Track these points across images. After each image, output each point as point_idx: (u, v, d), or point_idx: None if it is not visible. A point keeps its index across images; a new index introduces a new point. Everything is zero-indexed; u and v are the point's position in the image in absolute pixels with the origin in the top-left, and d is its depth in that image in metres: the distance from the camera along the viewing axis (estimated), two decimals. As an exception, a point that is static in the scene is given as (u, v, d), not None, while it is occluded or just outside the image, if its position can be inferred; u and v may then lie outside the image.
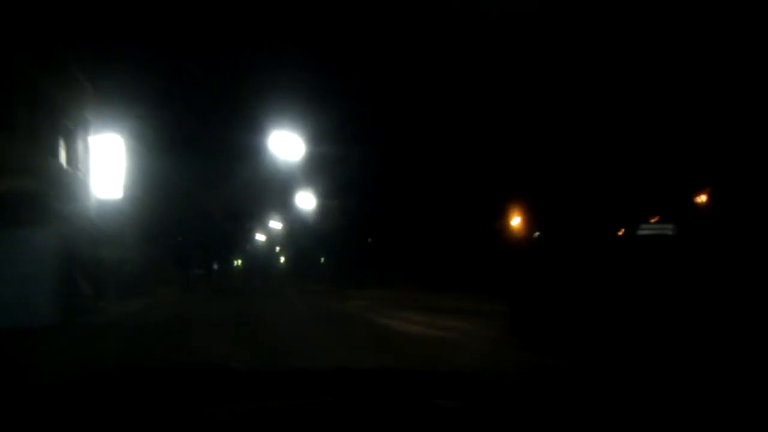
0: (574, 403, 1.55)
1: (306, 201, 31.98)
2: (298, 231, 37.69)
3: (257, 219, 48.63)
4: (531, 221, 30.03)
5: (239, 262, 71.19)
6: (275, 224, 45.91)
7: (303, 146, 21.04)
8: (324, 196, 31.31)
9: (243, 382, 1.70)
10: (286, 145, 21.08)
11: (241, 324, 11.66)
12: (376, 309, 13.99)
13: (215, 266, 59.25)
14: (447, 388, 1.67)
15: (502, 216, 30.14)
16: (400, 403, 1.46)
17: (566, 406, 1.53)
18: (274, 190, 33.96)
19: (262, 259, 59.67)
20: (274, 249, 59.03)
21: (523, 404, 1.56)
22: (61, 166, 17.63)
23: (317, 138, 21.67)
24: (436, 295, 18.08)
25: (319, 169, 28.92)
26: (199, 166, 29.82)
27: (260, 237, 58.08)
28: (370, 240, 34.56)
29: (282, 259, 59.29)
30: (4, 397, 1.51)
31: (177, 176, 27.36)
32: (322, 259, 41.32)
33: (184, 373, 1.73)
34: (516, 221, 31.88)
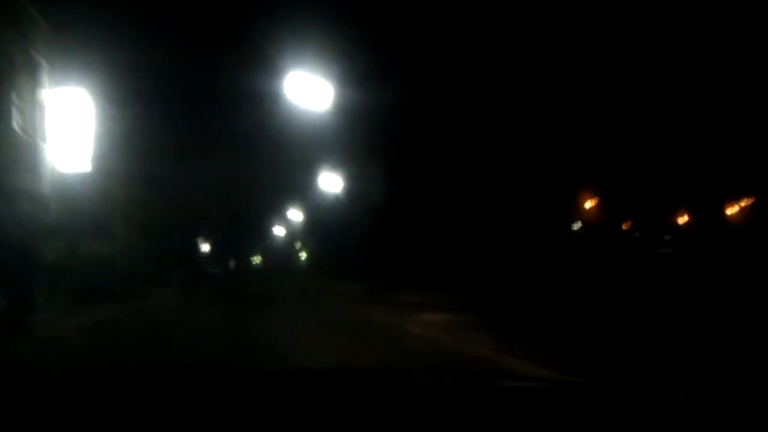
0: None
1: (331, 184, 26.37)
2: (322, 221, 32.38)
3: (275, 210, 43.81)
4: (607, 207, 26.38)
5: (258, 259, 67.36)
6: (295, 215, 40.56)
7: (330, 96, 15.59)
8: (352, 178, 25.91)
9: (243, 381, 1.69)
10: (308, 96, 15.63)
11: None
12: (470, 334, 8.25)
13: (232, 264, 55.49)
14: (448, 387, 1.67)
15: (573, 202, 25.88)
16: (400, 402, 1.45)
17: None
18: (294, 170, 28.73)
19: (281, 256, 55.15)
20: (295, 243, 54.18)
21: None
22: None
23: (343, 86, 16.42)
24: (518, 304, 12.30)
25: (346, 144, 24.06)
26: (200, 144, 24.62)
27: (279, 231, 53.20)
28: (398, 233, 29.78)
29: (303, 255, 54.41)
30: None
31: (173, 149, 22.15)
32: (348, 254, 36.24)
33: (184, 373, 1.75)
34: (590, 205, 26.73)
